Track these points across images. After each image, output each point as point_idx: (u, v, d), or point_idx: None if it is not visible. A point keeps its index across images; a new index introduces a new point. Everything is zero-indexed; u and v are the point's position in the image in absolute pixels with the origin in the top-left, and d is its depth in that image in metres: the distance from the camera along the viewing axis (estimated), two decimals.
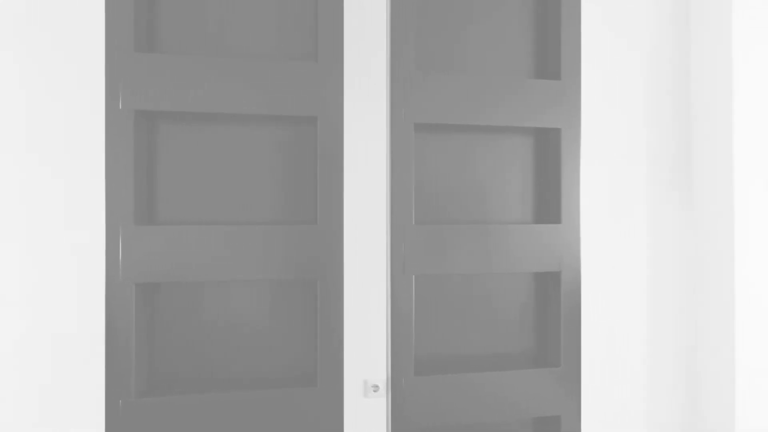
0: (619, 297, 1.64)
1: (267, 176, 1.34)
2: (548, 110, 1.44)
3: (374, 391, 1.37)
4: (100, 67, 1.29)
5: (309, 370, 1.36)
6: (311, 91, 1.29)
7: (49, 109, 1.27)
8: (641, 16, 1.66)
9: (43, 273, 1.26)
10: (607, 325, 1.63)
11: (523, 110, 1.42)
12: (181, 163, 1.30)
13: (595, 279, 1.62)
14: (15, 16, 1.26)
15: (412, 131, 1.36)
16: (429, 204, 1.44)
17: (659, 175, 1.68)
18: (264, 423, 1.25)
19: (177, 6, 1.30)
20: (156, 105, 1.21)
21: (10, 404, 1.25)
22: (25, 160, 1.26)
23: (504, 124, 1.41)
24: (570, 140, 1.45)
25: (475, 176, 1.47)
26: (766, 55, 1.57)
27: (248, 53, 1.32)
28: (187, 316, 1.31)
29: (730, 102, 1.56)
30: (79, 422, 1.27)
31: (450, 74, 1.38)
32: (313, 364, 1.36)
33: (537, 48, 1.51)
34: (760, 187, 1.57)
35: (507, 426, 1.48)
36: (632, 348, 1.65)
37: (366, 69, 1.40)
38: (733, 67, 1.55)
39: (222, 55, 1.31)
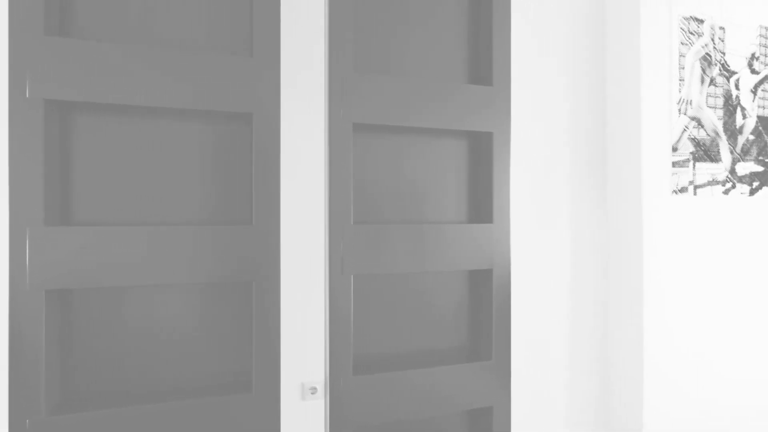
0: (544, 292, 1.75)
1: (197, 174, 1.27)
2: (481, 115, 1.50)
3: (312, 393, 1.35)
4: (3, 51, 1.16)
5: (244, 376, 1.31)
6: (246, 87, 1.24)
7: None
8: (562, 30, 1.78)
9: None
10: (534, 319, 1.74)
11: (458, 114, 1.47)
12: (101, 159, 1.20)
13: (523, 276, 1.72)
14: None
15: (350, 131, 1.36)
16: (367, 204, 1.45)
17: (578, 177, 1.81)
18: None
19: None
20: (70, 94, 1.11)
21: None
22: None
23: (440, 127, 1.45)
24: (501, 144, 1.53)
25: (411, 177, 1.50)
26: (668, 70, 1.75)
27: (176, 43, 1.25)
28: (107, 325, 1.21)
29: (638, 112, 1.72)
30: None
31: (388, 76, 1.40)
32: (248, 370, 1.31)
33: (470, 55, 1.57)
34: (665, 189, 1.74)
35: (443, 419, 1.52)
36: (555, 339, 1.77)
37: (304, 67, 1.38)
38: (641, 81, 1.71)
39: (147, 43, 1.22)
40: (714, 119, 1.83)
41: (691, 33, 1.78)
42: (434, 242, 1.45)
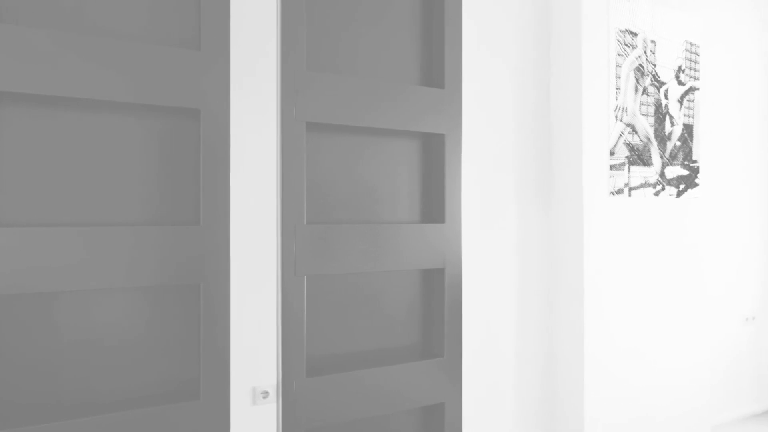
0: (493, 290, 1.81)
1: (139, 172, 1.21)
2: (433, 116, 1.53)
3: (263, 397, 1.32)
4: None
5: (191, 383, 1.26)
6: (193, 82, 1.19)
7: None
8: (511, 38, 1.85)
9: None
10: (483, 316, 1.79)
11: (411, 115, 1.49)
12: (31, 155, 1.11)
13: (473, 274, 1.77)
14: None
15: (303, 130, 1.34)
16: (320, 204, 1.44)
17: (525, 179, 1.89)
18: None
19: None
20: None
21: None
22: None
23: (393, 128, 1.46)
24: (452, 145, 1.57)
25: (365, 177, 1.51)
26: (606, 79, 1.86)
27: (116, 33, 1.18)
28: (38, 332, 1.12)
29: (579, 118, 1.82)
30: None
31: (341, 76, 1.39)
32: (195, 376, 1.26)
33: (423, 57, 1.60)
34: (603, 190, 1.85)
35: (396, 417, 1.54)
36: (504, 335, 1.83)
37: (255, 63, 1.34)
38: (582, 89, 1.81)
39: (83, 31, 1.15)
40: (646, 126, 1.97)
41: (627, 45, 1.91)
42: (387, 242, 1.46)
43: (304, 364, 1.34)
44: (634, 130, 1.93)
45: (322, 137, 1.44)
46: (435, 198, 1.58)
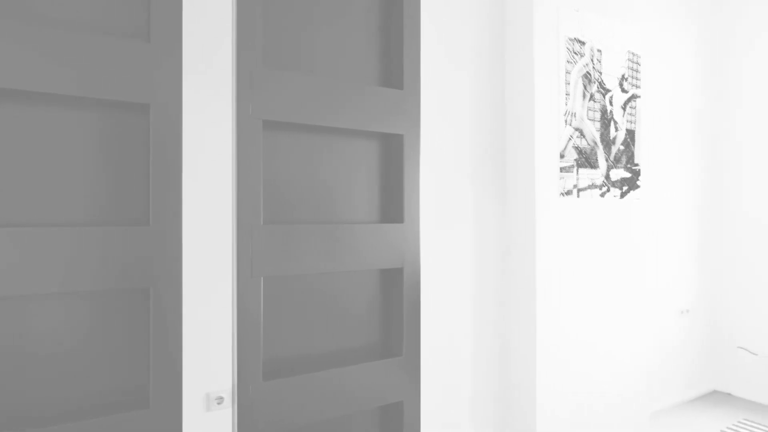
0: (450, 288, 1.85)
1: (83, 170, 1.14)
2: (392, 117, 1.54)
3: (218, 403, 1.28)
4: None
5: (140, 391, 1.20)
6: (142, 75, 1.14)
7: None
8: (468, 44, 1.90)
9: None
10: (441, 314, 1.82)
11: (369, 115, 1.49)
12: None
13: (431, 273, 1.79)
14: None
15: (260, 128, 1.31)
16: (278, 204, 1.41)
17: (481, 180, 1.94)
18: None
19: None
20: None
21: None
22: None
23: (352, 128, 1.46)
24: (411, 146, 1.58)
25: (323, 177, 1.49)
26: (556, 85, 1.94)
27: (59, 22, 1.10)
28: None
29: (532, 121, 1.89)
30: None
31: (299, 73, 1.38)
32: (144, 383, 1.20)
33: (382, 58, 1.60)
34: (554, 191, 1.93)
35: (355, 417, 1.53)
36: (461, 333, 1.87)
37: (209, 57, 1.30)
38: (535, 94, 1.88)
39: (22, 20, 1.06)
40: (593, 130, 2.07)
41: (575, 53, 2.00)
42: (346, 242, 1.45)
43: (260, 368, 1.31)
44: (582, 135, 2.03)
45: (280, 136, 1.41)
46: (394, 198, 1.59)
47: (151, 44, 1.15)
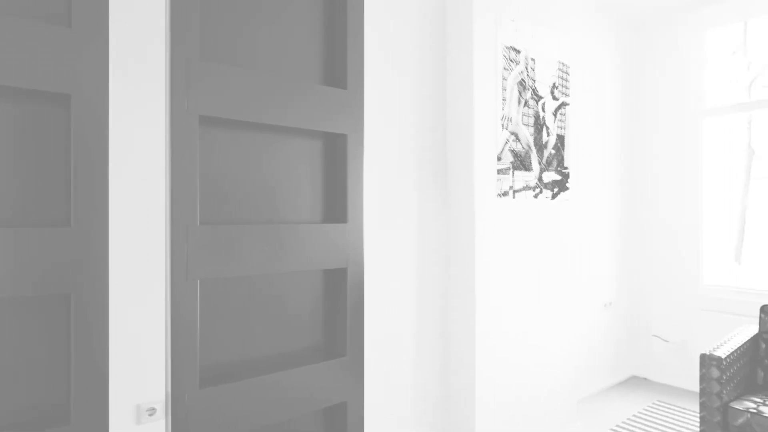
0: (394, 287, 1.87)
1: None
2: (335, 116, 1.53)
3: (150, 414, 1.20)
4: None
5: (61, 407, 1.10)
6: (61, 63, 1.05)
7: None
8: (411, 48, 1.93)
9: None
10: (385, 313, 1.84)
11: (313, 114, 1.48)
12: None
13: (375, 273, 1.80)
14: None
15: (196, 124, 1.25)
16: (216, 203, 1.35)
17: (424, 180, 1.98)
18: None
19: None
20: None
21: None
22: None
23: (294, 126, 1.43)
24: (355, 146, 1.58)
25: (265, 176, 1.45)
26: (494, 91, 2.03)
27: None
28: None
29: (471, 125, 1.96)
30: None
31: (240, 69, 1.33)
32: (66, 397, 1.11)
33: (325, 58, 1.59)
34: (492, 192, 2.01)
35: (299, 420, 1.51)
36: (404, 331, 1.90)
37: (144, 47, 1.22)
38: (474, 99, 1.95)
39: None
40: (527, 135, 2.19)
41: (511, 61, 2.10)
42: (289, 243, 1.42)
43: (197, 375, 1.25)
44: (517, 138, 2.13)
45: (219, 132, 1.36)
46: (338, 198, 1.59)
47: (72, 29, 1.06)
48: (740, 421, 1.97)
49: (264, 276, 1.44)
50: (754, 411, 1.95)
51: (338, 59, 1.59)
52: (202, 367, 1.33)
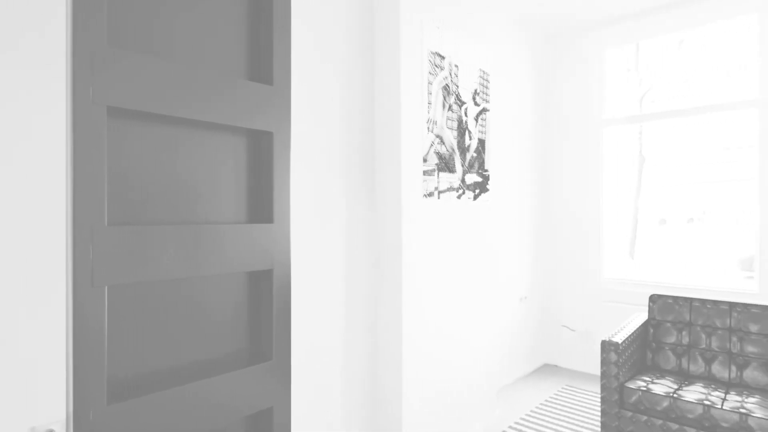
0: (322, 288, 1.85)
1: None
2: (261, 113, 1.48)
3: None
4: None
5: None
6: None
7: None
8: (341, 48, 1.92)
9: None
10: (313, 315, 1.82)
11: (236, 110, 1.42)
12: None
13: (302, 274, 1.78)
14: None
15: (103, 115, 1.15)
16: (128, 203, 1.25)
17: (352, 181, 1.99)
18: None
19: None
20: None
21: None
22: None
23: (216, 122, 1.37)
24: (281, 144, 1.54)
25: (184, 174, 1.37)
26: (420, 94, 2.08)
27: None
28: None
29: (398, 127, 2.00)
30: None
31: (155, 58, 1.24)
32: None
33: (250, 52, 1.53)
34: (418, 193, 2.07)
35: (222, 429, 1.44)
36: (333, 331, 1.89)
37: (38, 28, 1.09)
38: (401, 102, 1.99)
39: None
40: (451, 138, 2.28)
41: (436, 66, 2.17)
42: (210, 244, 1.35)
43: (104, 389, 1.15)
44: (442, 141, 2.21)
45: (131, 126, 1.26)
46: (263, 197, 1.54)
47: None
48: (633, 398, 2.21)
49: (182, 280, 1.36)
50: (645, 389, 2.20)
51: (264, 54, 1.54)
52: (112, 380, 1.22)
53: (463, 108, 2.35)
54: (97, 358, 1.14)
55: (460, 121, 2.32)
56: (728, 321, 2.36)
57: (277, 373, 1.53)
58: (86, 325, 1.12)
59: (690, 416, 2.04)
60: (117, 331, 1.23)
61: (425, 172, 2.11)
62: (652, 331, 2.58)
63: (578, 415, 2.74)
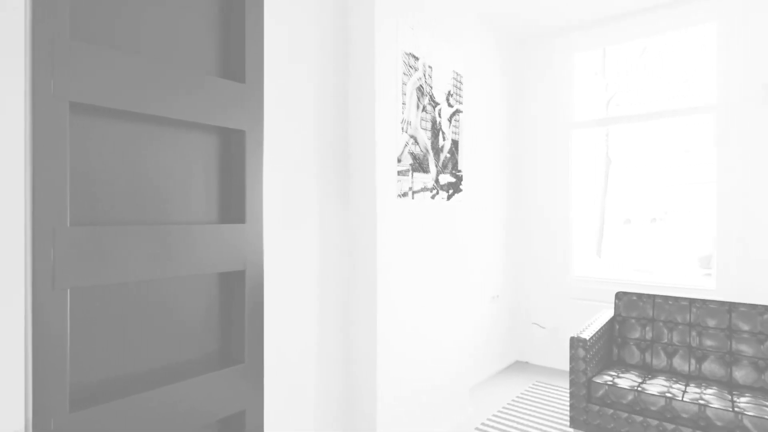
0: (295, 289, 1.83)
1: None
2: (233, 111, 1.45)
3: None
4: None
5: None
6: None
7: None
8: (315, 47, 1.91)
9: None
10: (286, 315, 1.79)
11: (207, 108, 1.39)
12: None
13: (275, 275, 1.75)
14: None
15: (66, 111, 1.10)
16: (92, 202, 1.20)
17: (326, 180, 1.97)
18: None
19: None
20: None
21: None
22: None
23: (186, 119, 1.33)
24: (254, 143, 1.52)
25: (152, 172, 1.33)
26: (394, 95, 2.09)
27: None
28: None
29: (372, 127, 2.00)
30: None
31: (121, 53, 1.20)
32: None
33: (222, 49, 1.50)
34: (392, 193, 2.07)
35: None
36: (306, 332, 1.87)
37: None
38: (375, 103, 1.99)
39: None
40: (425, 139, 2.29)
41: (411, 67, 2.19)
42: (180, 245, 1.32)
43: (66, 396, 1.10)
44: (416, 142, 2.23)
45: (96, 122, 1.21)
46: (235, 197, 1.51)
47: None
48: (600, 392, 2.28)
49: (150, 282, 1.32)
50: (611, 383, 2.27)
51: (236, 51, 1.51)
52: (75, 387, 1.17)
53: (437, 109, 2.37)
54: (58, 363, 1.09)
55: (434, 122, 2.34)
56: (688, 317, 2.47)
57: (249, 376, 1.50)
58: (47, 330, 1.08)
59: (653, 408, 2.12)
60: (81, 336, 1.19)
61: (399, 173, 2.12)
62: (617, 327, 2.67)
63: (548, 410, 2.80)
